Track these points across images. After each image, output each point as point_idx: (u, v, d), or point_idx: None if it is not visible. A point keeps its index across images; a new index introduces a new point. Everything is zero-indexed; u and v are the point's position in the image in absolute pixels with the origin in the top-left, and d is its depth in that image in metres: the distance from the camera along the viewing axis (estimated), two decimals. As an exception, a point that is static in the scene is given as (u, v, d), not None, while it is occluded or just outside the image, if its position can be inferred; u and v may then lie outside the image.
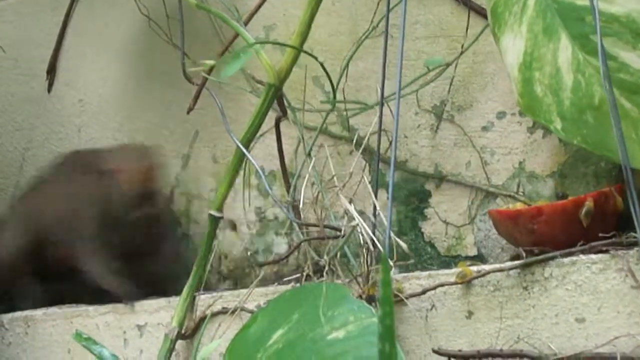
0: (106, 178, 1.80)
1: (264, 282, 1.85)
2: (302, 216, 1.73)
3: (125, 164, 1.81)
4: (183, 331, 1.68)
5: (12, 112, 2.18)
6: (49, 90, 2.14)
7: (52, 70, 2.14)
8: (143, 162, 1.82)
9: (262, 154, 1.86)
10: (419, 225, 1.72)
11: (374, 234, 1.48)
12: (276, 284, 1.68)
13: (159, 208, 1.84)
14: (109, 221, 1.82)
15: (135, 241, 1.83)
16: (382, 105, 1.57)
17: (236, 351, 1.49)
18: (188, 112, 1.82)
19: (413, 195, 1.73)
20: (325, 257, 1.53)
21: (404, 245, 1.42)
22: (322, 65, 1.54)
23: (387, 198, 1.64)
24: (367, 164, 1.74)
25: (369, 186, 1.61)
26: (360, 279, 1.49)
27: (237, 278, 1.89)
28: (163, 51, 1.98)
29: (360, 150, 1.73)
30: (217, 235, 1.71)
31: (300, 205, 1.71)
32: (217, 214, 1.71)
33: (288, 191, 1.79)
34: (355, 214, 1.41)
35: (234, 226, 1.90)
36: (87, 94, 2.09)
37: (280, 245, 1.86)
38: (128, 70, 2.04)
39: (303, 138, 1.76)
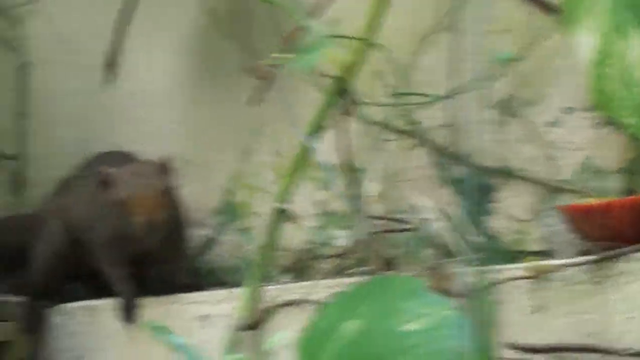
0: (118, 205, 1.78)
1: (326, 275, 1.87)
2: (364, 210, 1.74)
3: (134, 194, 1.76)
4: (248, 322, 1.70)
5: (72, 104, 2.19)
6: (109, 83, 2.15)
7: (111, 63, 2.15)
8: (151, 190, 1.77)
9: (324, 147, 1.87)
10: (484, 220, 1.73)
11: (444, 228, 1.49)
12: (341, 276, 1.69)
13: (168, 231, 1.79)
14: (120, 239, 1.82)
15: (146, 255, 1.84)
16: (449, 98, 1.58)
17: (306, 342, 1.50)
18: (253, 105, 1.83)
19: (478, 190, 1.74)
20: (392, 250, 1.55)
21: (477, 240, 1.43)
22: (388, 58, 1.55)
23: (454, 193, 1.66)
24: (431, 159, 1.75)
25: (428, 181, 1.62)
26: (429, 272, 1.50)
27: (298, 270, 1.90)
28: (225, 45, 2.00)
29: (423, 145, 1.74)
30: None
31: (364, 199, 1.72)
32: (280, 206, 1.72)
33: (351, 185, 1.79)
34: (427, 208, 1.42)
35: (294, 219, 1.91)
36: (146, 87, 2.11)
37: (342, 239, 1.87)
38: (189, 63, 2.06)
39: (366, 133, 1.77)
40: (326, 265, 1.88)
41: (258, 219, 1.96)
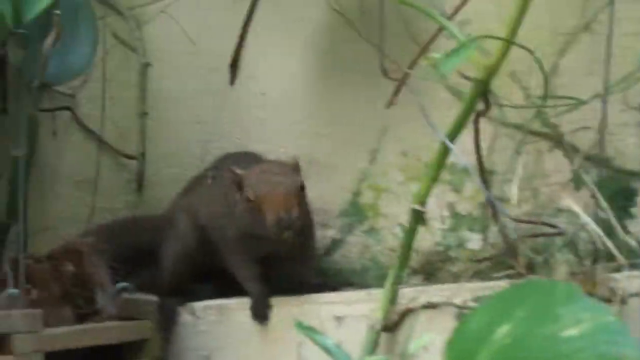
0: (250, 204, 1.79)
1: (457, 279, 1.86)
2: (503, 213, 1.73)
3: (265, 193, 1.77)
4: (385, 324, 1.70)
5: (193, 104, 2.21)
6: (232, 83, 2.16)
7: (234, 64, 2.16)
8: (283, 189, 1.77)
9: (456, 149, 1.86)
10: (625, 224, 1.71)
11: (590, 232, 1.48)
12: (481, 280, 1.68)
13: (298, 229, 1.78)
14: (251, 238, 1.83)
15: (276, 255, 1.85)
16: (593, 101, 1.56)
17: (456, 345, 1.49)
18: (387, 107, 1.83)
19: (618, 193, 1.71)
20: (537, 254, 1.53)
21: (627, 243, 1.41)
22: (537, 59, 1.53)
23: (595, 197, 1.64)
24: (570, 162, 1.73)
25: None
26: (579, 277, 1.48)
27: (428, 272, 1.89)
28: (351, 46, 1.99)
29: (562, 148, 1.72)
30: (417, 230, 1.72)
31: (501, 202, 1.71)
32: (419, 208, 1.72)
33: (485, 187, 1.79)
34: (581, 213, 1.41)
35: (424, 221, 1.90)
36: (270, 87, 2.11)
37: (474, 241, 1.86)
38: (314, 64, 2.06)
39: (503, 135, 1.76)
40: (457, 268, 1.87)
41: (385, 220, 1.96)
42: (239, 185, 1.81)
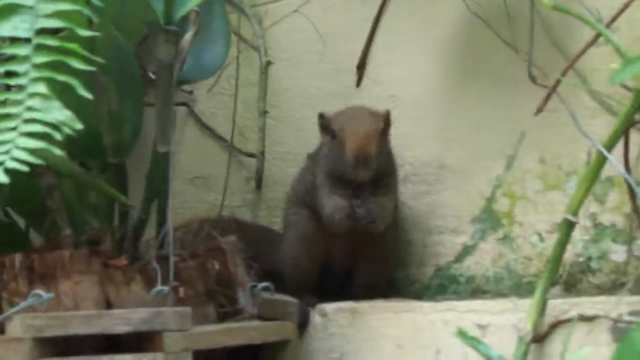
0: (335, 138, 1.90)
1: (601, 291, 1.83)
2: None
3: (348, 127, 1.87)
4: (535, 335, 1.68)
5: (318, 105, 2.18)
6: (358, 85, 2.15)
7: (362, 65, 2.15)
8: (363, 129, 1.86)
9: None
10: None
11: None
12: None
13: (374, 170, 1.86)
14: (336, 173, 1.90)
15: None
16: None
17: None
18: (536, 114, 1.81)
19: None
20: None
21: None
22: None
23: None
24: None
25: None
26: None
27: (568, 284, 1.87)
28: (488, 49, 1.98)
29: None
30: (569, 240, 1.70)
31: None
32: (572, 219, 1.70)
33: (632, 198, 1.77)
34: None
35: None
36: (399, 90, 2.09)
37: (618, 253, 1.84)
38: (447, 67, 2.04)
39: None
40: (598, 280, 1.85)
41: (521, 229, 1.94)
42: (326, 126, 1.93)
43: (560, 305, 1.69)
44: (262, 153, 2.24)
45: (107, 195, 1.84)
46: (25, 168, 1.39)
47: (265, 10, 2.27)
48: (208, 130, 2.31)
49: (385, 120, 1.92)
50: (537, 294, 1.69)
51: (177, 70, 1.81)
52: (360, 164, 1.85)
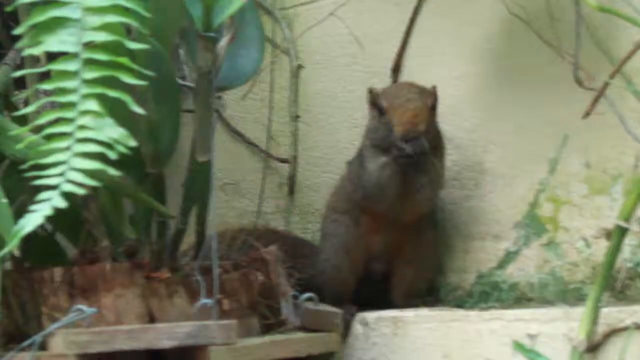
0: (383, 114, 1.88)
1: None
2: None
3: (396, 103, 1.86)
4: (588, 344, 1.65)
5: (351, 108, 2.15)
6: (393, 88, 2.11)
7: (397, 68, 2.11)
8: (411, 105, 1.85)
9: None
10: None
11: None
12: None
13: (424, 149, 1.84)
14: (384, 145, 1.89)
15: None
16: None
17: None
18: (584, 117, 1.77)
19: None
20: None
21: None
22: None
23: None
24: None
25: None
26: None
27: (616, 290, 1.83)
28: (528, 50, 1.94)
29: None
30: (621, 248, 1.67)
31: None
32: (624, 225, 1.67)
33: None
34: None
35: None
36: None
37: (667, 259, 1.81)
38: (485, 69, 2.00)
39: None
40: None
41: (566, 234, 1.90)
42: (374, 101, 1.91)
43: (615, 314, 1.65)
44: (295, 158, 2.20)
45: (144, 206, 1.80)
46: (81, 191, 1.35)
47: (295, 13, 2.23)
48: (238, 135, 2.27)
49: (434, 96, 1.91)
50: (590, 302, 1.65)
51: (215, 76, 1.77)
52: (409, 134, 1.83)
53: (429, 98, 1.89)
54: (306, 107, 2.21)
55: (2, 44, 2.11)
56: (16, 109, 1.95)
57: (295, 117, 2.21)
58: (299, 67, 2.21)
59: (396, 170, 1.86)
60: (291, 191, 2.21)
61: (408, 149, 1.83)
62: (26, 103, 1.97)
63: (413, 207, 1.89)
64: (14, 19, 2.05)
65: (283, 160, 2.21)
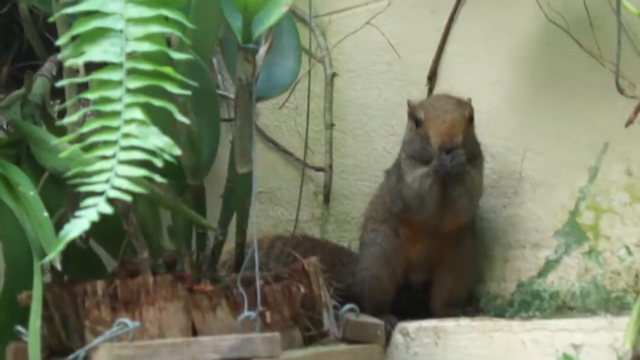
0: (419, 126, 1.87)
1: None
2: None
3: (433, 115, 1.85)
4: (636, 355, 1.63)
5: (386, 116, 2.15)
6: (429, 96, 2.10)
7: (433, 75, 2.10)
8: (449, 117, 1.84)
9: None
10: None
11: None
12: None
13: (462, 160, 1.83)
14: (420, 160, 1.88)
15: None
16: None
17: None
18: (627, 125, 1.76)
19: None
20: None
21: None
22: None
23: None
24: None
25: None
26: None
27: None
28: (566, 57, 1.93)
29: None
30: None
31: None
32: (669, 234, 1.65)
33: None
34: None
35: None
36: (473, 100, 2.02)
37: None
38: (523, 76, 1.99)
39: None
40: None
41: (607, 243, 1.88)
42: (412, 113, 1.91)
43: (662, 324, 1.64)
44: (330, 166, 2.20)
45: (184, 217, 1.79)
46: (127, 197, 1.34)
47: (329, 21, 2.23)
48: (272, 144, 2.27)
49: (471, 108, 1.90)
50: (635, 311, 1.63)
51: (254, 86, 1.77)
52: (446, 145, 1.82)
53: (466, 109, 1.87)
54: (341, 116, 2.21)
55: (38, 56, 2.12)
56: (53, 120, 1.95)
57: (331, 126, 2.20)
58: (334, 75, 2.21)
59: (435, 181, 1.85)
60: (326, 200, 2.20)
61: (445, 161, 1.82)
62: (62, 115, 1.98)
63: (452, 218, 1.88)
64: (50, 30, 2.06)
65: (318, 169, 2.21)
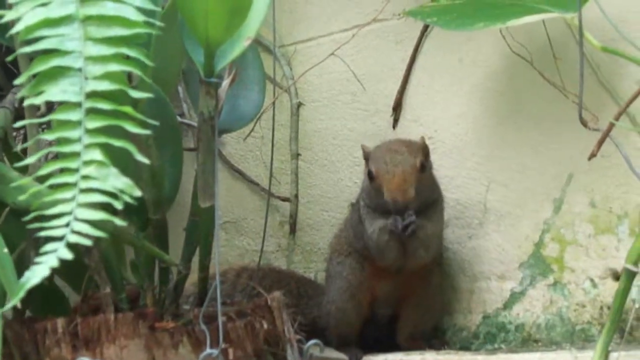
0: (372, 179, 1.84)
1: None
2: None
3: (384, 169, 1.82)
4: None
5: (351, 147, 2.14)
6: (395, 127, 2.10)
7: (398, 106, 2.10)
8: (398, 171, 1.80)
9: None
10: None
11: None
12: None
13: (412, 222, 1.81)
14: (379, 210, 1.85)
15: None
16: None
17: None
18: (590, 158, 1.76)
19: None
20: None
21: None
22: None
23: None
24: None
25: None
26: None
27: (624, 331, 1.81)
28: (530, 89, 1.93)
29: None
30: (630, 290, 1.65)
31: None
32: (632, 268, 1.65)
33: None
34: None
35: (617, 277, 1.83)
36: (438, 131, 2.04)
37: (678, 301, 1.79)
38: (488, 108, 1.99)
39: None
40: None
41: (572, 275, 1.88)
42: (366, 163, 1.89)
43: (624, 358, 1.64)
44: (296, 196, 2.19)
45: (146, 252, 1.78)
46: (87, 242, 1.33)
47: (295, 50, 2.22)
48: (238, 173, 2.26)
49: (424, 151, 1.87)
50: (599, 346, 1.63)
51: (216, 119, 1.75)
52: (400, 206, 1.80)
53: (417, 157, 1.83)
54: (307, 146, 2.20)
55: (0, 87, 2.10)
56: (16, 153, 1.93)
57: (297, 155, 2.20)
58: (299, 105, 2.20)
59: (391, 238, 1.83)
60: (292, 230, 2.19)
61: (398, 223, 1.81)
62: (24, 149, 1.96)
63: (413, 263, 1.87)
64: (13, 63, 2.04)
65: (284, 199, 2.20)
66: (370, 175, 1.85)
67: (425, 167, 1.85)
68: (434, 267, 1.93)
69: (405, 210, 1.80)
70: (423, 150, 1.87)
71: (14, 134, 2.05)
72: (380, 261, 1.88)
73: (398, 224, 1.81)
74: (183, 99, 2.32)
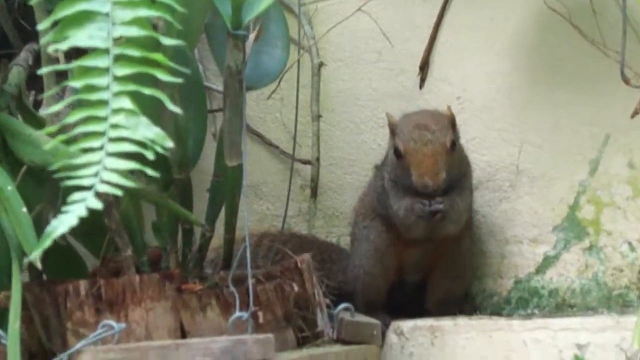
0: (400, 157, 1.77)
1: None
2: None
3: (413, 149, 1.74)
4: (643, 354, 1.57)
5: (375, 107, 2.07)
6: (422, 86, 2.03)
7: (425, 66, 2.03)
8: (429, 151, 1.73)
9: None
10: None
11: None
12: None
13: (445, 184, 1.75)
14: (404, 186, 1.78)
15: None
16: None
17: None
18: (633, 116, 1.69)
19: None
20: None
21: None
22: None
23: None
24: None
25: None
26: None
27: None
28: (566, 46, 1.86)
29: None
30: None
31: None
32: (678, 228, 1.59)
33: None
34: None
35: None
36: (467, 90, 1.97)
37: None
38: (519, 66, 1.92)
39: None
40: None
41: (609, 238, 1.82)
42: (392, 137, 1.81)
43: (670, 322, 1.57)
44: (318, 159, 2.12)
45: (169, 213, 1.71)
46: (118, 192, 1.26)
47: (316, 9, 2.15)
48: (257, 136, 2.19)
49: (453, 125, 1.79)
50: (641, 310, 1.57)
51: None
52: (429, 191, 1.74)
53: (447, 134, 1.76)
54: (329, 107, 2.13)
55: (13, 44, 2.02)
56: (30, 111, 1.86)
57: (318, 117, 2.12)
58: (321, 64, 2.13)
59: (419, 218, 1.77)
60: (314, 194, 2.12)
61: (426, 208, 1.74)
62: (36, 106, 1.88)
63: (444, 235, 1.80)
64: (26, 18, 1.96)
65: (305, 162, 2.13)
66: (397, 153, 1.77)
67: (455, 144, 1.77)
68: (464, 231, 1.86)
69: (434, 192, 1.74)
70: (452, 123, 1.79)
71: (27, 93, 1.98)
72: (406, 235, 1.82)
73: (426, 208, 1.74)
74: (199, 61, 2.24)
